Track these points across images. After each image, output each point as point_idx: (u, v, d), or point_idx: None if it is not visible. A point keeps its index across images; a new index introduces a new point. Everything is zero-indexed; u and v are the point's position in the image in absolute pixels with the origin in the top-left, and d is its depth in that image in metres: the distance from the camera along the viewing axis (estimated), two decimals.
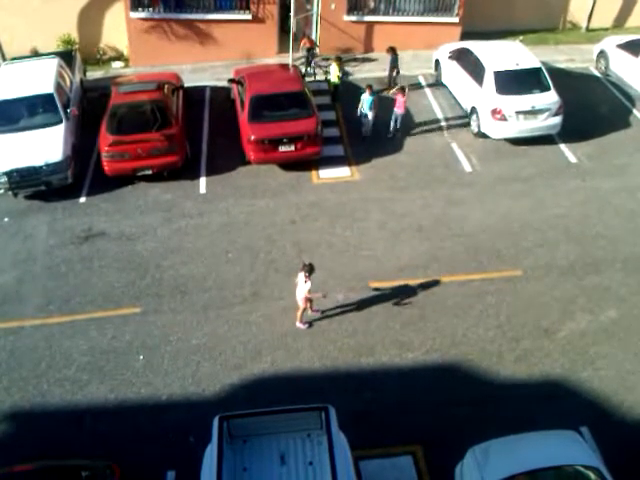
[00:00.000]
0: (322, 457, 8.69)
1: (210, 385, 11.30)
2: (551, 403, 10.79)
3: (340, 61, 18.80)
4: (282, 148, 16.01)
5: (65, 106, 16.67)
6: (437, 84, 19.81)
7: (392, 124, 17.24)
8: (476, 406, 10.75)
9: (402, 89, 16.99)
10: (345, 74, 20.02)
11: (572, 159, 16.65)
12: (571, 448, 9.20)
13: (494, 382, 11.22)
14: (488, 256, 13.73)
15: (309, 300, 12.10)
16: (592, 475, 8.71)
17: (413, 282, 13.15)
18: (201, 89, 19.77)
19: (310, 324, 12.36)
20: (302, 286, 11.81)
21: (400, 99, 16.89)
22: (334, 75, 18.73)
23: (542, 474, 8.76)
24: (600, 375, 11.26)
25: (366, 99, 16.89)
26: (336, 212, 15.08)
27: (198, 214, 15.18)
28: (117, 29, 21.00)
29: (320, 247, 14.14)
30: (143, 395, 11.19)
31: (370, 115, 17.05)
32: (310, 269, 11.69)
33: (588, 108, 18.43)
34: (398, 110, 16.96)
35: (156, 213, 15.26)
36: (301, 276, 11.82)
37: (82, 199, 15.78)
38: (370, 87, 16.96)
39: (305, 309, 12.21)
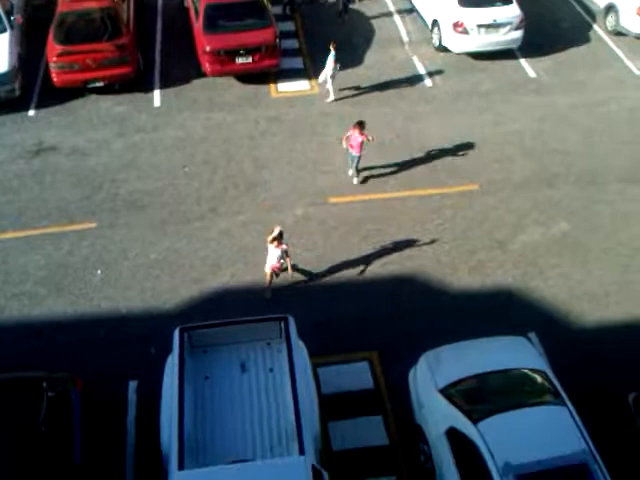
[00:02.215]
0: (282, 364, 8.93)
1: (170, 298, 11.36)
2: (502, 311, 11.19)
3: None
4: (239, 60, 15.56)
5: (8, 13, 15.81)
6: None
7: (351, 165, 13.49)
8: (431, 315, 11.09)
9: (360, 125, 12.83)
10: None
11: (531, 74, 16.62)
12: (519, 353, 9.60)
13: (448, 292, 11.55)
14: (446, 171, 13.83)
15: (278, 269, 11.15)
16: (538, 378, 9.12)
17: (372, 197, 13.23)
18: None
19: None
20: (274, 253, 10.91)
21: (356, 137, 12.87)
22: None
23: (491, 377, 9.13)
24: (549, 285, 11.68)
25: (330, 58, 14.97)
26: (295, 127, 14.89)
27: (153, 128, 14.81)
28: None
29: (279, 162, 14.02)
30: (102, 309, 11.20)
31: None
32: (281, 235, 10.81)
33: (549, 22, 18.27)
34: (353, 151, 13.09)
35: (109, 127, 14.84)
36: (271, 247, 10.91)
37: (31, 112, 15.22)
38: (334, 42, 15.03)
39: (271, 279, 11.25)
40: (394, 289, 11.59)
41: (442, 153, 14.24)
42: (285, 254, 10.99)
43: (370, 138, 12.90)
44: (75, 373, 9.42)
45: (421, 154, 14.21)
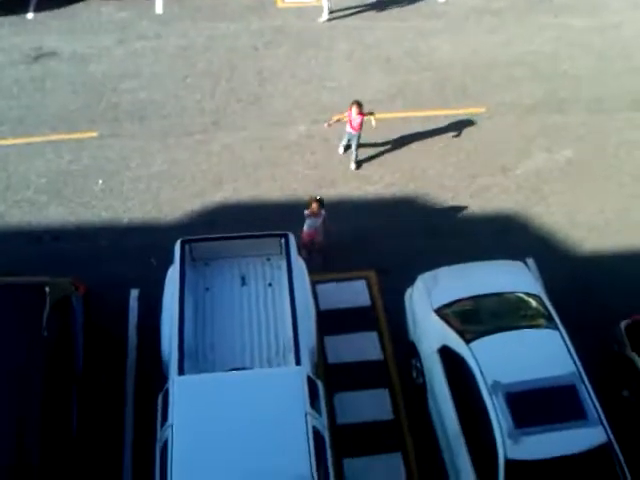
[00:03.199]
0: (281, 279, 9.08)
1: (171, 211, 11.38)
2: (502, 236, 11.24)
3: None
4: None
5: None
6: None
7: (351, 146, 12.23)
8: (430, 238, 11.14)
9: (358, 104, 11.58)
10: None
11: None
12: (515, 276, 9.71)
13: (449, 216, 11.57)
14: (454, 92, 13.56)
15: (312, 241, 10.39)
16: (533, 302, 9.26)
17: (377, 116, 12.98)
18: None
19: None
20: (311, 222, 10.17)
21: (355, 117, 11.64)
22: None
23: (486, 299, 9.28)
24: (550, 211, 11.69)
25: None
26: (301, 39, 14.48)
27: (155, 36, 14.40)
28: None
29: (283, 76, 13.72)
30: (104, 218, 11.24)
31: None
32: (321, 203, 10.03)
33: None
34: (352, 130, 11.83)
35: (110, 33, 14.41)
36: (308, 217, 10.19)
37: (30, 15, 14.75)
38: None
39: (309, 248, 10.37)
40: (395, 210, 11.60)
41: (451, 73, 13.91)
42: (323, 224, 10.15)
43: (373, 122, 11.61)
44: (78, 277, 9.54)
45: (429, 73, 13.88)
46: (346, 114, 11.74)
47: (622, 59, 14.41)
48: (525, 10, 15.48)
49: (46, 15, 14.74)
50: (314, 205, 10.07)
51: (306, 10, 15.15)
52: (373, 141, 12.56)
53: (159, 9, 15.03)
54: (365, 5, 15.33)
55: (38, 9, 14.85)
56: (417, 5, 15.42)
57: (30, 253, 10.62)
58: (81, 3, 15.03)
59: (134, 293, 10.22)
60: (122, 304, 10.08)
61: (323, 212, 10.17)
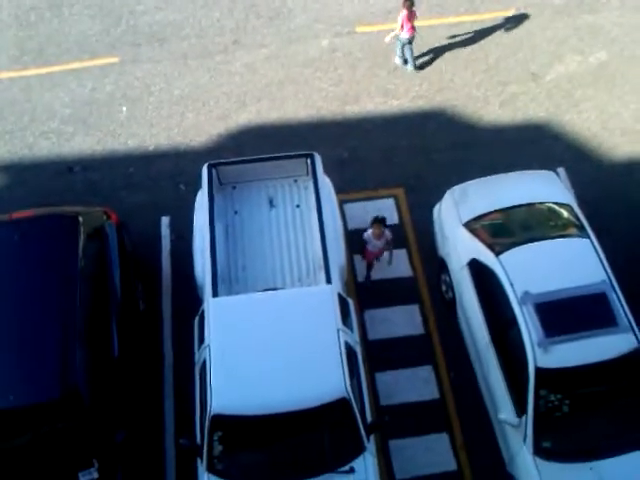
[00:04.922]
0: (309, 200, 9.11)
1: (196, 135, 11.35)
2: (532, 145, 11.02)
3: None
4: None
5: None
6: None
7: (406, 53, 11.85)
8: (459, 152, 10.96)
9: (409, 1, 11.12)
10: None
11: None
12: (546, 187, 9.55)
13: (478, 127, 11.34)
14: None
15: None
16: (564, 211, 9.14)
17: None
18: None
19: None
20: (374, 244, 9.35)
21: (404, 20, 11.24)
22: None
23: (516, 211, 9.18)
24: (582, 118, 11.36)
25: None
26: None
27: None
28: None
29: None
30: (130, 146, 11.29)
31: None
32: (382, 222, 9.18)
33: None
34: (408, 33, 11.43)
35: None
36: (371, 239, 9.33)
37: None
38: None
39: (371, 266, 9.76)
40: (422, 123, 11.40)
41: None
42: (387, 244, 9.36)
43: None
44: (110, 207, 9.70)
45: None
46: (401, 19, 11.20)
47: None
48: None
49: None
50: (376, 228, 9.09)
51: None
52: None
53: None
54: None
55: None
56: None
57: (60, 184, 10.78)
58: None
59: (165, 220, 10.38)
60: (154, 231, 10.26)
61: (387, 232, 9.20)
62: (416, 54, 12.12)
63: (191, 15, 12.92)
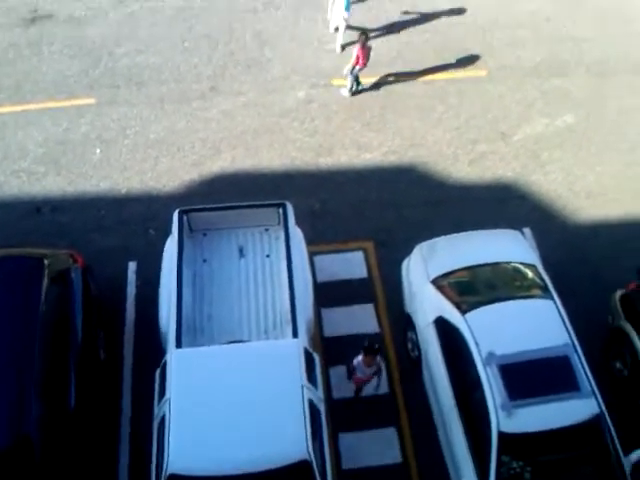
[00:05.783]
0: (279, 250, 9.11)
1: (170, 180, 11.36)
2: (499, 205, 11.22)
3: None
4: None
5: None
6: None
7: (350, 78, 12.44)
8: (428, 206, 11.13)
9: (364, 35, 11.83)
10: None
11: None
12: (512, 246, 9.70)
13: (447, 184, 11.54)
14: (454, 54, 13.32)
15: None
16: (529, 272, 9.28)
17: (376, 81, 12.86)
18: None
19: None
20: (364, 369, 8.71)
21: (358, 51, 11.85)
22: None
23: (482, 269, 9.30)
24: (549, 179, 11.64)
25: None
26: (301, 1, 14.17)
27: None
28: None
29: (283, 39, 13.51)
30: (102, 188, 11.25)
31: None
32: (377, 351, 8.49)
33: None
34: (360, 64, 12.04)
35: None
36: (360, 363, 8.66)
37: None
38: None
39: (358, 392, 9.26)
40: (393, 178, 11.57)
41: (451, 33, 13.65)
42: (378, 371, 8.79)
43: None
44: (76, 250, 9.58)
45: (429, 34, 13.63)
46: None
47: (623, 22, 14.07)
48: None
49: None
50: (368, 358, 8.39)
51: None
52: (372, 106, 12.45)
53: None
54: None
55: None
56: None
57: (29, 224, 10.67)
58: None
59: (132, 265, 10.30)
60: (121, 276, 10.17)
61: (378, 359, 8.56)
62: (390, 109, 12.38)
63: (170, 60, 13.06)
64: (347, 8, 12.37)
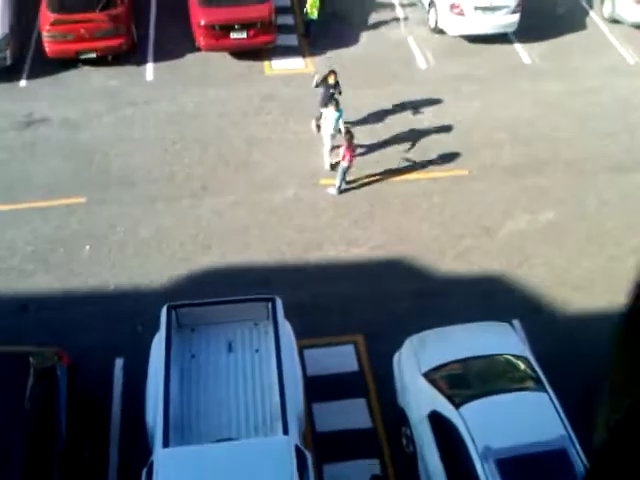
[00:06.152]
0: (268, 345, 9.02)
1: (158, 277, 11.40)
2: (487, 298, 11.31)
3: None
4: (234, 35, 15.44)
5: None
6: None
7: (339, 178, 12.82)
8: (416, 299, 11.19)
9: (348, 134, 12.37)
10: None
11: (525, 59, 16.59)
12: (502, 339, 9.74)
13: (435, 278, 11.66)
14: (437, 155, 13.84)
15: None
16: (520, 364, 9.28)
17: (362, 180, 13.25)
18: None
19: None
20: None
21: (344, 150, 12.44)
22: (310, 4, 15.83)
23: (474, 362, 9.29)
24: (535, 272, 11.81)
25: (331, 116, 12.80)
26: (289, 106, 14.82)
27: (145, 102, 14.71)
28: None
29: (272, 142, 13.99)
30: (90, 285, 11.23)
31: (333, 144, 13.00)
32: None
33: (545, 8, 18.16)
34: (344, 162, 12.54)
35: (101, 99, 14.71)
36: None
37: (22, 83, 15.07)
38: (336, 103, 12.79)
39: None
40: (381, 272, 11.68)
41: (433, 136, 14.23)
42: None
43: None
44: (62, 348, 9.45)
45: (412, 137, 14.19)
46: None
47: (600, 122, 14.82)
48: (505, 76, 15.99)
49: (39, 82, 15.08)
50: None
51: (293, 77, 15.58)
52: (359, 204, 12.76)
53: (150, 76, 15.41)
54: (348, 73, 15.74)
55: (31, 77, 15.19)
56: (400, 71, 15.91)
57: (15, 322, 10.55)
58: (73, 71, 15.40)
59: (119, 362, 10.14)
60: (107, 373, 9.98)
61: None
62: (376, 207, 12.69)
63: (162, 161, 13.42)
64: (335, 127, 12.77)
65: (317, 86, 13.50)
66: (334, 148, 13.04)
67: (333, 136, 12.96)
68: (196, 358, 9.01)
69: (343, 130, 12.55)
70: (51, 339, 9.96)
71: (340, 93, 13.35)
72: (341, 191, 12.91)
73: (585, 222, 12.71)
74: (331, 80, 13.15)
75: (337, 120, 12.73)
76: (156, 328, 9.21)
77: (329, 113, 12.75)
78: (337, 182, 12.81)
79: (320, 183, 13.14)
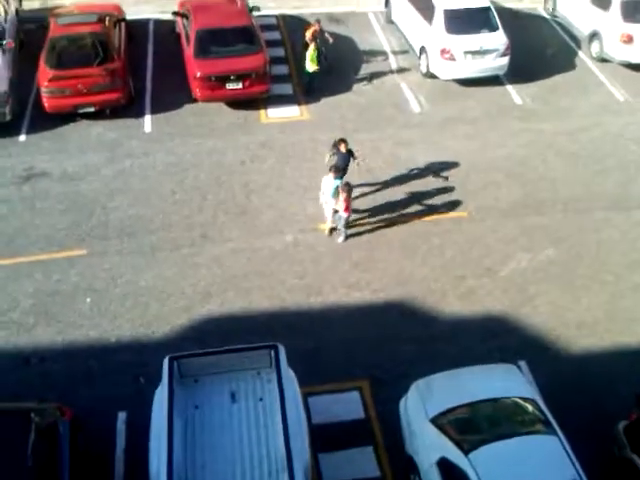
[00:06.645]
0: (272, 394, 8.89)
1: (160, 327, 11.33)
2: (492, 339, 11.24)
3: (318, 38, 16.31)
4: (229, 85, 15.68)
5: (0, 38, 15.83)
6: (387, 22, 19.54)
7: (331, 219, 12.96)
8: (421, 342, 11.12)
9: (347, 187, 12.33)
10: (326, 48, 16.86)
11: (517, 100, 16.85)
12: (509, 381, 9.63)
13: (438, 319, 11.60)
14: (434, 198, 13.93)
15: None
16: (529, 406, 9.16)
17: (362, 224, 13.30)
18: (145, 22, 19.02)
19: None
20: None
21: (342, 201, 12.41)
22: (310, 60, 16.13)
23: (481, 406, 9.16)
24: (538, 311, 11.76)
25: (329, 183, 12.54)
26: (286, 153, 14.98)
27: (143, 153, 14.85)
28: None
29: (270, 188, 14.08)
30: (91, 337, 11.15)
31: (333, 206, 12.64)
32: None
33: (535, 49, 18.56)
34: (344, 214, 12.57)
35: (100, 152, 14.85)
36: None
37: (22, 137, 15.22)
38: (337, 169, 12.56)
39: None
40: (384, 316, 11.63)
41: (430, 179, 14.35)
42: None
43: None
44: (64, 403, 9.34)
45: (409, 180, 14.30)
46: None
47: (593, 161, 15.00)
48: (498, 118, 16.22)
49: (38, 137, 15.23)
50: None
51: (289, 124, 15.78)
52: (359, 247, 12.78)
53: (148, 128, 15.59)
54: (343, 119, 16.01)
55: (30, 131, 15.35)
56: (394, 116, 16.13)
57: (17, 376, 10.44)
58: (71, 124, 15.58)
59: (122, 416, 9.99)
60: (110, 427, 9.83)
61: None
62: (376, 250, 12.71)
63: (161, 211, 13.48)
64: (333, 195, 12.50)
65: (331, 157, 13.20)
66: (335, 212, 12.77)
67: (331, 201, 12.66)
68: (199, 409, 8.88)
69: (341, 187, 12.33)
70: (53, 393, 9.85)
71: (355, 158, 13.11)
72: (346, 237, 12.90)
73: (585, 259, 12.72)
74: (342, 149, 12.91)
75: (335, 188, 12.40)
76: (159, 380, 9.11)
77: (328, 181, 12.52)
78: (342, 229, 12.80)
79: (319, 228, 13.18)
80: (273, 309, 11.68)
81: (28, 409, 8.65)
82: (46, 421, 8.65)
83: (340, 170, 12.71)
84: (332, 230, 13.03)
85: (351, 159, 13.03)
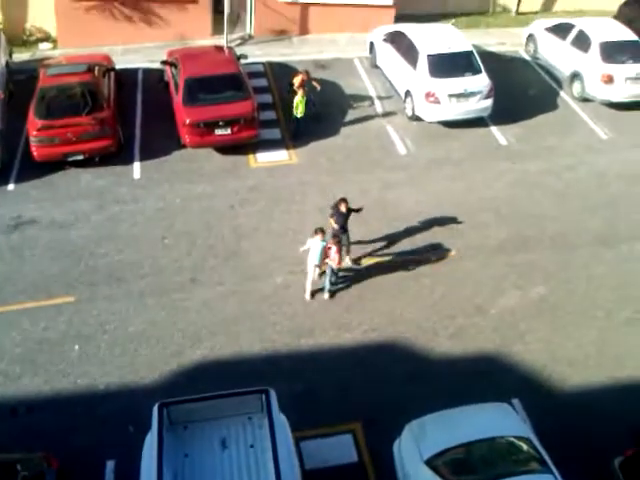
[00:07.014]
0: (263, 440, 8.76)
1: (149, 373, 11.19)
2: (484, 377, 11.17)
3: (305, 84, 16.62)
4: (218, 131, 15.86)
5: None
6: (372, 67, 19.94)
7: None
8: (413, 383, 11.04)
9: (337, 238, 12.47)
10: (314, 94, 17.20)
11: (502, 141, 17.11)
12: (503, 420, 9.57)
13: (430, 359, 11.53)
14: (423, 239, 13.99)
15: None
16: (524, 445, 9.08)
17: (351, 266, 13.31)
18: (133, 71, 19.30)
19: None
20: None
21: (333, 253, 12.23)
22: (297, 105, 16.42)
23: (476, 446, 9.07)
24: (530, 349, 11.72)
25: (316, 246, 12.21)
26: (275, 196, 15.07)
27: (132, 200, 14.90)
28: (44, 9, 20.19)
29: (259, 232, 14.13)
30: (79, 385, 10.99)
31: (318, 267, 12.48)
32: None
33: (518, 91, 18.93)
34: (332, 263, 12.34)
35: (89, 200, 14.89)
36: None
37: (10, 186, 15.25)
38: (321, 231, 12.16)
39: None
40: (375, 356, 11.56)
41: (418, 221, 14.42)
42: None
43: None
44: (51, 453, 9.16)
45: (397, 222, 14.37)
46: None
47: (579, 198, 15.17)
48: (483, 158, 16.44)
49: (26, 185, 15.26)
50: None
51: (278, 169, 15.92)
52: (348, 288, 12.77)
53: (137, 174, 15.67)
54: (331, 162, 16.18)
55: (19, 180, 15.39)
56: (381, 159, 16.31)
57: (3, 426, 10.25)
58: (60, 172, 15.64)
59: (110, 464, 9.79)
60: (98, 476, 9.61)
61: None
62: (366, 291, 12.70)
63: (151, 256, 13.47)
64: (320, 258, 12.29)
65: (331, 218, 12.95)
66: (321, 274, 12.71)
67: (317, 266, 12.42)
68: (189, 457, 8.71)
69: (331, 242, 12.26)
70: (40, 442, 9.67)
71: (357, 211, 13.13)
72: (332, 293, 12.70)
73: (575, 295, 12.76)
74: (343, 208, 12.73)
75: (322, 251, 12.15)
76: (148, 427, 8.96)
77: (314, 243, 12.12)
78: (327, 285, 12.60)
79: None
80: (264, 352, 11.59)
81: (14, 460, 8.49)
82: (33, 471, 8.47)
83: (339, 229, 12.72)
84: (313, 294, 12.68)
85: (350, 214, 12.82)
